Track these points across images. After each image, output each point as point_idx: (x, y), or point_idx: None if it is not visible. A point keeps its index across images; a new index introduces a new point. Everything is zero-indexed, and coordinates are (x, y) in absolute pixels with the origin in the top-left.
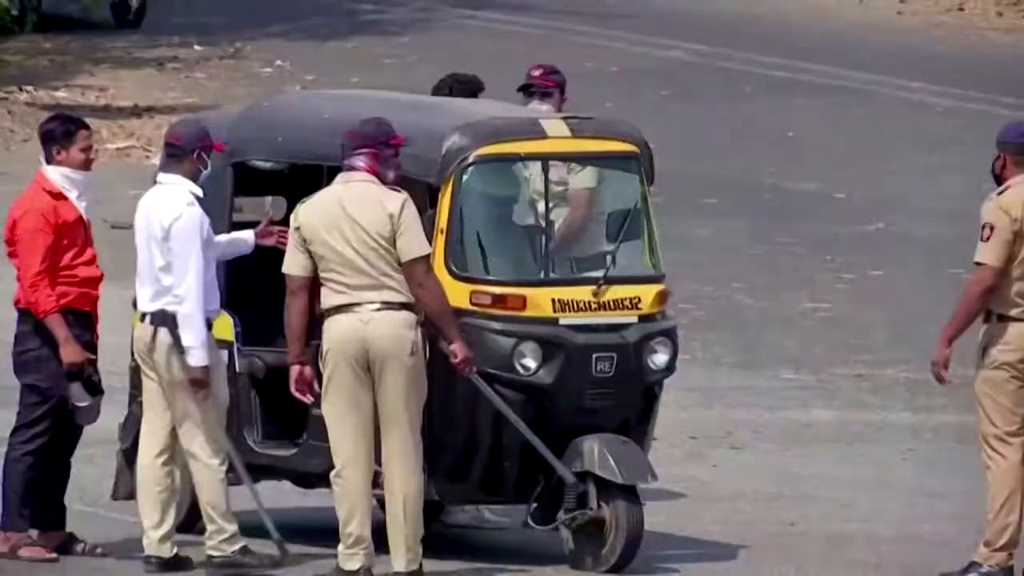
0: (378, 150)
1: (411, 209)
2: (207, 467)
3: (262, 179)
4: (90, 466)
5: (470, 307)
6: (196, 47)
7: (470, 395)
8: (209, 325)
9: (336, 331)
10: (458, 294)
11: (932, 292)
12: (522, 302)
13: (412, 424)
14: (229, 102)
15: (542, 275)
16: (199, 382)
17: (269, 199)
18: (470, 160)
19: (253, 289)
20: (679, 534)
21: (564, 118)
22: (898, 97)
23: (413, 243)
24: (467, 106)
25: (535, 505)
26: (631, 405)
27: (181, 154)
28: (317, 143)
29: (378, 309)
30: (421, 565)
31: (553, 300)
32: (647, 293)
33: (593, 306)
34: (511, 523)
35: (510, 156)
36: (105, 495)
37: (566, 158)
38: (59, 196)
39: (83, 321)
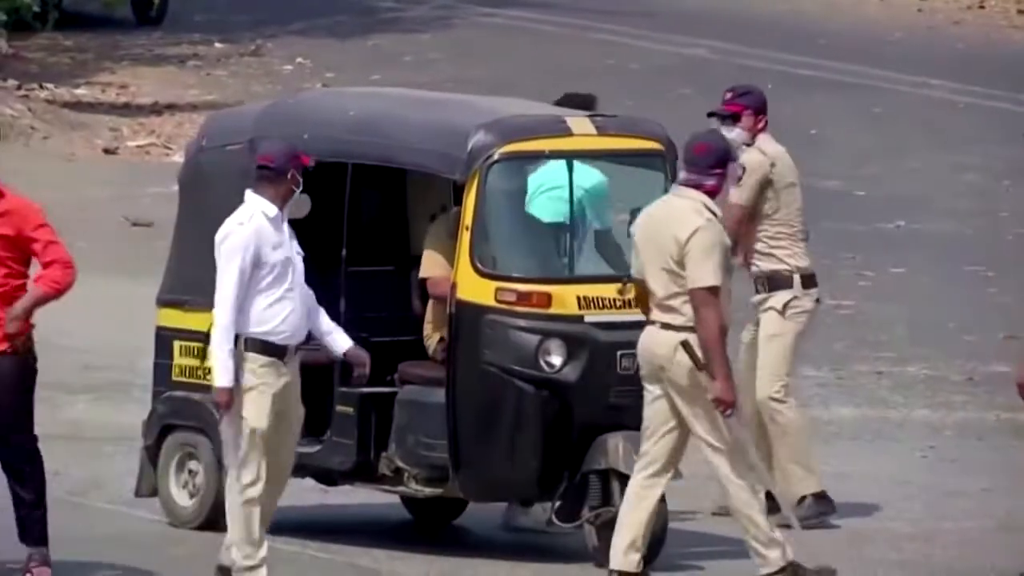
0: (728, 168)
1: (703, 237)
2: (229, 489)
3: None
4: (110, 462)
5: (495, 304)
6: (217, 44)
7: (495, 391)
8: (277, 349)
9: (639, 342)
10: (483, 291)
11: (952, 290)
12: (547, 299)
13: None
14: (250, 99)
15: (567, 272)
16: (220, 403)
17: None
18: (495, 157)
19: None
20: (701, 532)
21: (589, 115)
22: (919, 95)
23: (696, 271)
24: (492, 103)
25: (559, 503)
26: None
27: (275, 175)
28: (343, 141)
29: (661, 327)
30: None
31: (578, 297)
32: None
33: (618, 303)
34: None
35: (535, 153)
36: (126, 492)
37: (591, 156)
38: None
39: None
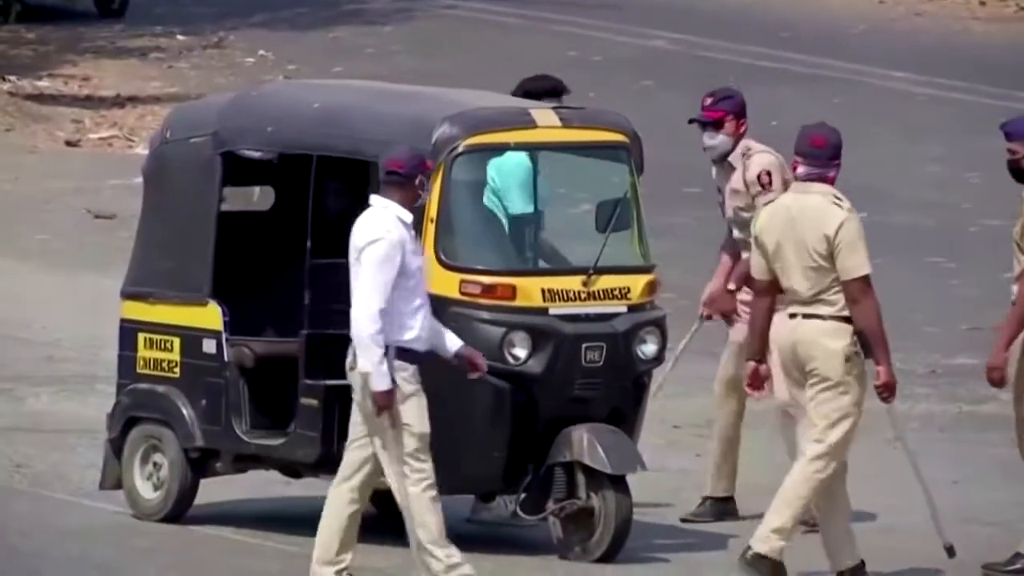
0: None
1: (850, 228)
2: (408, 494)
3: (251, 169)
4: (73, 455)
5: (459, 296)
6: (179, 37)
7: (459, 385)
8: (419, 356)
9: (775, 333)
10: (447, 283)
11: (915, 281)
12: (511, 291)
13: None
14: (212, 92)
15: (532, 264)
16: (380, 406)
17: (257, 189)
18: (460, 150)
19: (241, 279)
20: (665, 524)
21: (554, 108)
22: (881, 87)
23: (849, 263)
24: (457, 96)
25: (524, 495)
26: (620, 395)
27: (403, 180)
28: (307, 133)
29: (805, 318)
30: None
31: (543, 290)
32: (636, 283)
33: (583, 296)
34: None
35: (500, 146)
36: (89, 484)
37: (556, 148)
38: None
39: None
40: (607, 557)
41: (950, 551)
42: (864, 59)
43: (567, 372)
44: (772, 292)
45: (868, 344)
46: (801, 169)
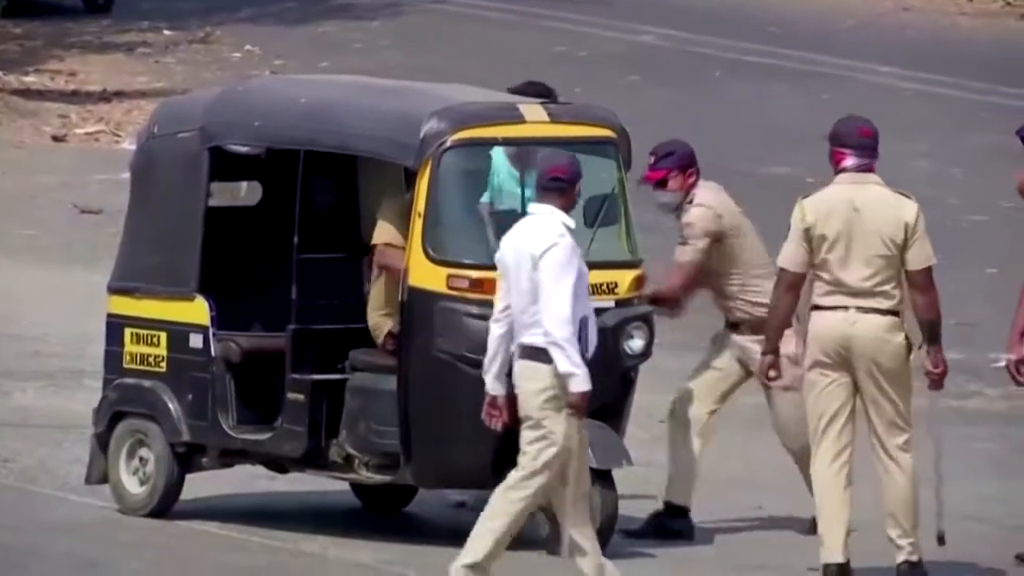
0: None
1: (922, 216)
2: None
3: (238, 164)
4: (59, 449)
5: (447, 291)
6: (166, 32)
7: (447, 378)
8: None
9: (823, 326)
10: (435, 278)
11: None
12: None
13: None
14: (199, 87)
15: None
16: (578, 408)
17: (244, 184)
18: (448, 144)
19: (228, 274)
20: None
21: (542, 103)
22: (868, 82)
23: (923, 252)
24: (445, 91)
25: None
26: (607, 390)
27: (567, 187)
28: (295, 128)
29: (860, 311)
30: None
31: None
32: (624, 278)
33: None
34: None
35: (488, 140)
36: (75, 479)
37: (543, 143)
38: None
39: None
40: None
41: (940, 539)
42: (852, 54)
43: None
44: (800, 287)
45: (932, 333)
46: (850, 160)
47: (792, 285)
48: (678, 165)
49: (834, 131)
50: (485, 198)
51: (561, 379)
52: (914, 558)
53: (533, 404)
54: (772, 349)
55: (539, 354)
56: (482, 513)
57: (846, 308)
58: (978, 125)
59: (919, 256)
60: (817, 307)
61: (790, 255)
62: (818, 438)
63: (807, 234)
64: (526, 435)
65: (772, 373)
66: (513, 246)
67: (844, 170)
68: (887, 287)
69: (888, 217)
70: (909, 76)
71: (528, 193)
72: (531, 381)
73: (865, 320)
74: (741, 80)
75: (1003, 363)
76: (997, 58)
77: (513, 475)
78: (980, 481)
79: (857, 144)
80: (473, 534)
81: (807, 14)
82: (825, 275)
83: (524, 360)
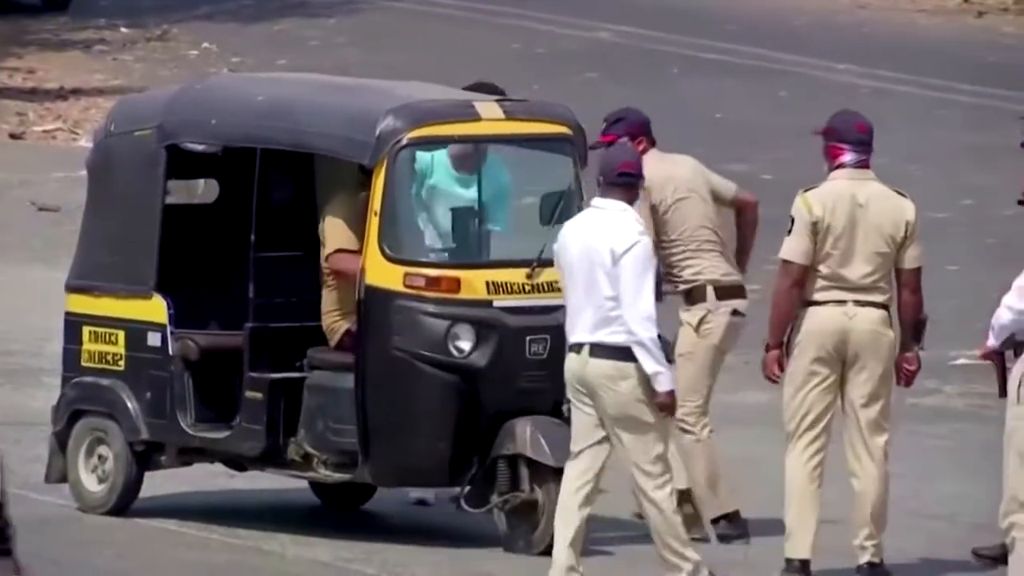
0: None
1: (918, 216)
2: (657, 498)
3: (196, 162)
4: (18, 448)
5: (404, 289)
6: (123, 29)
7: (404, 376)
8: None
9: (820, 321)
10: (392, 276)
11: None
12: (456, 284)
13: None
14: (156, 84)
15: (476, 257)
16: (667, 407)
17: (202, 182)
18: (404, 142)
19: (186, 272)
20: (609, 516)
21: (498, 100)
22: (825, 79)
23: (918, 250)
24: (401, 88)
25: (469, 488)
26: (565, 387)
27: (635, 180)
28: (252, 126)
29: (857, 305)
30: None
31: (487, 282)
32: None
33: (527, 288)
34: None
35: (444, 138)
36: (33, 477)
37: (499, 140)
38: None
39: None
40: (551, 550)
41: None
42: (809, 52)
43: (511, 365)
44: (805, 280)
45: (919, 333)
46: (848, 156)
47: (799, 279)
48: (627, 132)
49: (830, 126)
50: (413, 192)
51: (648, 379)
52: (876, 559)
53: (629, 403)
54: (776, 344)
55: (622, 353)
56: (653, 538)
57: (844, 302)
58: (936, 122)
59: (914, 255)
60: (812, 303)
61: (797, 247)
62: (798, 434)
63: (815, 227)
64: (632, 440)
65: (776, 369)
66: (581, 239)
67: (842, 166)
68: (882, 283)
69: (889, 214)
70: (867, 73)
71: (471, 194)
72: (623, 381)
73: (863, 313)
74: (698, 77)
75: (962, 361)
76: (954, 55)
77: (645, 487)
78: (939, 478)
79: (855, 140)
80: (657, 556)
81: (764, 11)
82: (823, 269)
83: (607, 360)
